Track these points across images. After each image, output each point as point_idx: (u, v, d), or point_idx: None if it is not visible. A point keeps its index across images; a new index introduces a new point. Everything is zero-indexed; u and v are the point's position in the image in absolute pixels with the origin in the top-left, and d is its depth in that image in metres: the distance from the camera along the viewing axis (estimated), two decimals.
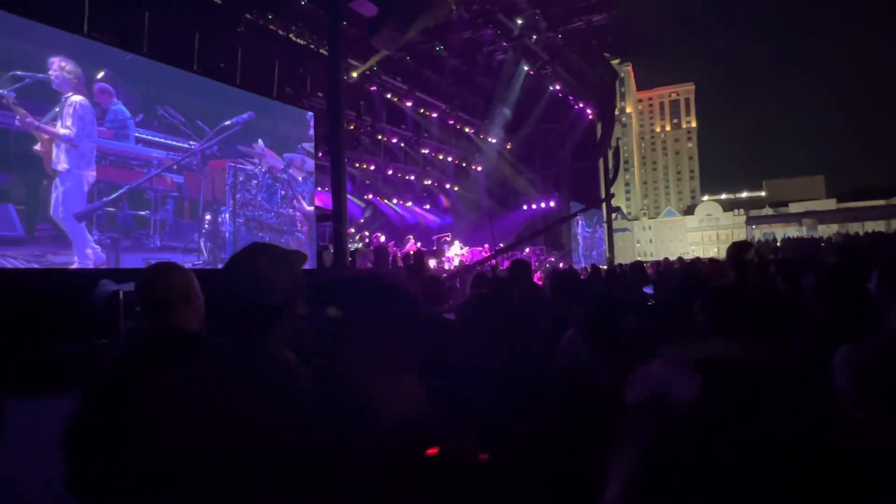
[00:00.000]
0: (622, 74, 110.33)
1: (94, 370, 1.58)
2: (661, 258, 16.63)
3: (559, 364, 1.83)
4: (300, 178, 8.69)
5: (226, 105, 7.85)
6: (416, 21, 12.13)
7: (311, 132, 9.58)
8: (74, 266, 6.00)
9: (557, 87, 19.50)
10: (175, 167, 6.94)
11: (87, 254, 5.98)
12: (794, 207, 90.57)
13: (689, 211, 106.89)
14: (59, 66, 6.10)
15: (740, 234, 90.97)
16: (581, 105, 21.67)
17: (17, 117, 5.52)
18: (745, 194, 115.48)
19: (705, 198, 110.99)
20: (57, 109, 5.99)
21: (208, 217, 7.23)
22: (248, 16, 12.58)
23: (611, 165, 26.07)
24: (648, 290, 4.44)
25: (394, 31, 11.81)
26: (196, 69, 10.72)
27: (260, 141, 8.15)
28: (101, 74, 6.56)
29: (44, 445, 1.53)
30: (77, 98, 6.25)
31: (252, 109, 8.06)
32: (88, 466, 1.47)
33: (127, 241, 6.36)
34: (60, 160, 5.87)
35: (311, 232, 8.60)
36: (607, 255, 25.49)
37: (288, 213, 8.31)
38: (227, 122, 7.72)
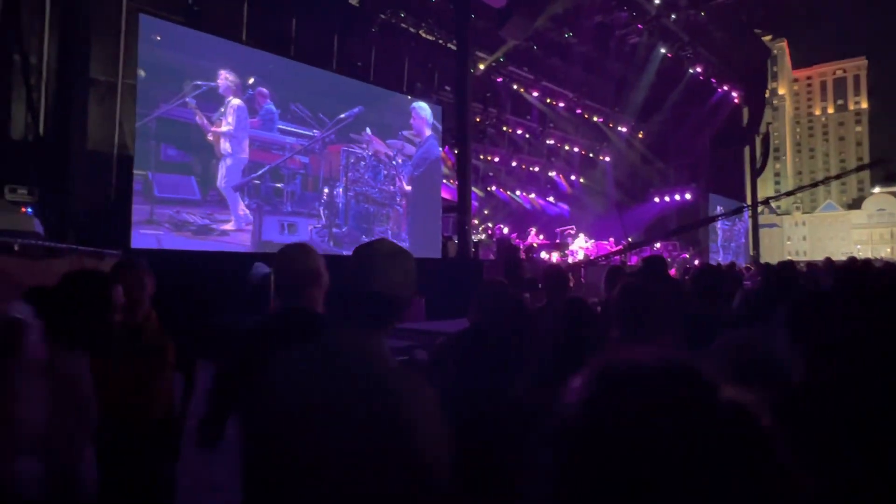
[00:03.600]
0: (775, 52, 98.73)
1: (229, 340, 1.75)
2: (816, 258, 14.59)
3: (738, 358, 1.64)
4: (400, 161, 10.21)
5: (341, 100, 9.45)
6: (546, 8, 11.89)
7: (412, 121, 10.77)
8: (232, 224, 7.79)
9: (698, 70, 18.03)
10: (302, 151, 8.75)
11: (240, 214, 7.88)
12: None
13: (855, 205, 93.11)
14: (225, 77, 7.94)
15: None
16: (725, 88, 19.83)
17: (197, 115, 7.48)
18: None
19: (876, 189, 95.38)
20: (223, 110, 7.90)
21: (326, 190, 9.05)
22: (382, 16, 13.20)
23: (758, 154, 23.57)
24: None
25: (522, 21, 11.68)
26: (335, 68, 11.52)
27: (368, 129, 9.74)
28: (251, 80, 8.33)
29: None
30: (236, 101, 8.10)
31: (362, 103, 9.67)
32: (220, 419, 1.65)
33: (267, 206, 8.19)
34: (224, 147, 7.83)
35: (408, 206, 10.30)
36: (751, 252, 23.13)
37: (389, 190, 9.97)
38: (342, 115, 9.36)
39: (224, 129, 7.72)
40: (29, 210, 6.43)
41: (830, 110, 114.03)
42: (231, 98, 7.93)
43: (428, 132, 11.19)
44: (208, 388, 1.70)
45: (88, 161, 7.75)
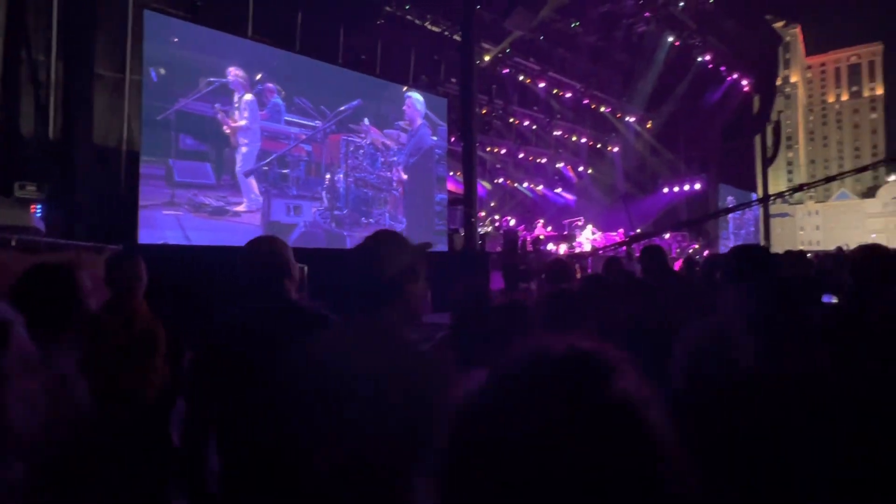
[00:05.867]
0: (787, 38, 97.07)
1: (204, 331, 1.76)
2: (830, 247, 14.38)
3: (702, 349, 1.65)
4: (396, 149, 10.91)
5: (341, 93, 10.14)
6: None
7: (404, 109, 11.34)
8: (243, 206, 8.50)
9: (707, 58, 17.80)
10: (306, 140, 9.49)
11: (252, 197, 8.67)
12: None
13: (870, 193, 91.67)
14: (235, 74, 8.57)
15: None
16: (735, 76, 19.57)
17: (218, 113, 8.28)
18: None
19: (892, 178, 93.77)
20: (235, 104, 8.62)
21: (328, 176, 9.79)
22: (387, 8, 13.15)
23: (769, 143, 23.28)
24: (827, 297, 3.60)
25: (527, 12, 11.61)
26: (340, 62, 11.51)
27: (366, 120, 10.43)
28: (259, 76, 8.93)
29: None
30: (248, 97, 8.79)
31: (360, 96, 10.37)
32: (200, 409, 1.65)
33: (275, 190, 8.95)
34: (237, 137, 8.60)
35: (405, 191, 11.00)
36: (762, 243, 22.91)
37: (386, 176, 10.72)
38: (342, 108, 10.04)
39: (240, 123, 8.59)
40: (38, 207, 6.52)
41: (845, 97, 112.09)
42: (244, 94, 8.69)
43: (420, 121, 11.50)
44: (185, 388, 1.71)
45: (96, 157, 7.84)
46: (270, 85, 8.98)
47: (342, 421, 1.09)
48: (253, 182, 8.69)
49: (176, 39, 7.98)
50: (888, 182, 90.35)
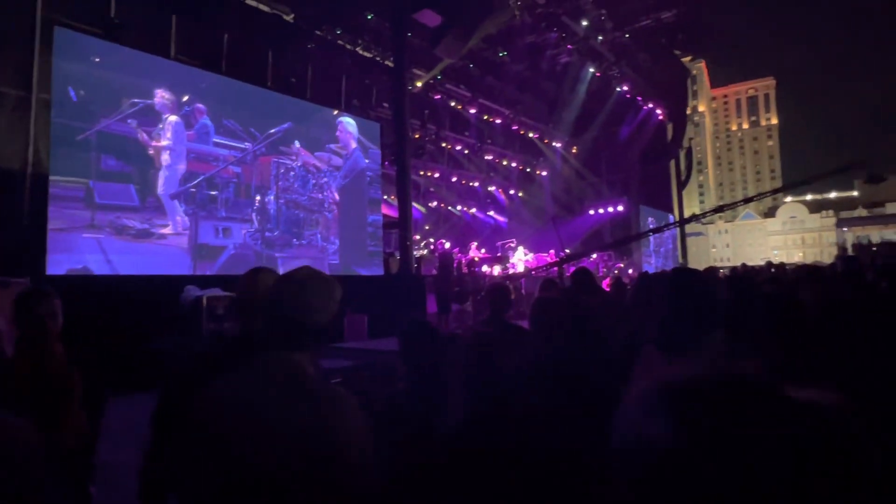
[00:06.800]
0: (694, 72, 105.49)
1: (174, 366, 1.69)
2: (738, 264, 15.64)
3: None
4: (327, 171, 11.02)
5: (271, 115, 10.12)
6: (478, 29, 12.19)
7: (338, 134, 11.42)
8: (169, 229, 8.24)
9: (625, 88, 18.97)
10: (235, 162, 9.41)
11: (177, 220, 8.40)
12: (892, 208, 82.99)
13: (771, 213, 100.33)
14: (161, 96, 8.41)
15: (829, 238, 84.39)
16: (650, 105, 20.95)
17: (139, 133, 8.03)
18: (833, 195, 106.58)
19: (788, 199, 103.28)
20: (161, 126, 8.41)
21: (258, 198, 9.72)
22: (317, 32, 13.11)
23: (683, 167, 25.00)
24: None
25: (456, 40, 11.93)
26: (269, 85, 11.31)
27: (296, 142, 10.45)
28: (186, 98, 8.74)
29: (140, 439, 1.65)
30: (173, 118, 8.58)
31: (291, 119, 10.40)
32: (163, 449, 1.58)
33: (203, 212, 8.74)
34: (163, 158, 8.38)
35: (339, 214, 11.09)
36: (680, 260, 24.39)
37: (317, 197, 10.74)
38: (273, 130, 10.04)
39: (164, 143, 8.38)
40: None
41: (745, 126, 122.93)
42: (168, 115, 8.50)
43: (354, 144, 11.56)
44: (150, 423, 1.62)
45: None
46: (200, 105, 8.90)
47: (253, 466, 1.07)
48: (179, 204, 8.49)
49: (97, 59, 7.77)
50: (786, 203, 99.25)
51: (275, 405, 1.12)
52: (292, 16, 12.99)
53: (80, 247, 7.15)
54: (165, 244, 8.18)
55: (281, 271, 1.46)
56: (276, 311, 1.28)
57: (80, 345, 2.18)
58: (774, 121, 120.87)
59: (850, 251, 28.02)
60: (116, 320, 6.15)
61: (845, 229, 79.40)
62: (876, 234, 64.52)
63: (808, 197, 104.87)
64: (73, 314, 2.19)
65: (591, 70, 17.67)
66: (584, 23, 15.55)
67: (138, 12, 9.22)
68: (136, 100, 8.04)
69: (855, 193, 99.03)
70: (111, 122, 7.72)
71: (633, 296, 2.95)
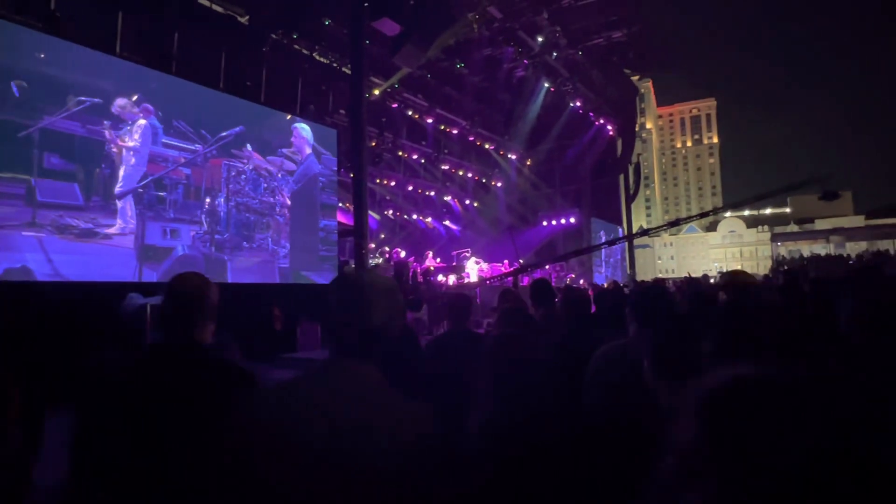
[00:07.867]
0: (642, 90, 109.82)
1: (98, 379, 1.59)
2: (682, 275, 16.28)
3: (599, 379, 1.77)
4: (280, 175, 10.95)
5: (223, 118, 9.95)
6: (437, 39, 12.29)
7: (292, 139, 11.30)
8: (115, 229, 8.01)
9: (578, 104, 19.52)
10: (185, 163, 9.24)
11: (126, 219, 8.22)
12: (821, 224, 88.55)
13: (712, 227, 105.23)
14: (120, 106, 8.22)
15: (765, 252, 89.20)
16: (601, 121, 21.64)
17: (81, 125, 7.72)
18: (768, 211, 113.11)
19: (728, 214, 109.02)
20: (128, 126, 8.30)
21: (208, 200, 9.57)
22: (273, 36, 12.88)
23: (631, 181, 25.89)
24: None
25: (415, 50, 11.98)
26: (222, 87, 11.01)
27: (248, 146, 10.36)
28: (135, 98, 8.48)
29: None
30: (142, 122, 8.50)
31: (243, 122, 10.26)
32: (89, 467, 1.48)
33: (150, 213, 8.56)
34: (125, 158, 8.26)
35: (290, 218, 11.00)
36: (628, 271, 25.18)
37: (269, 201, 10.70)
38: (224, 133, 9.89)
39: (130, 144, 8.29)
40: None
41: (689, 144, 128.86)
42: (138, 119, 8.47)
43: (308, 150, 11.45)
44: (70, 442, 1.51)
45: None
46: (148, 105, 8.73)
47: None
48: (128, 204, 8.29)
49: (42, 55, 7.47)
50: (725, 218, 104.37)
51: (362, 420, 1.09)
52: (247, 18, 12.72)
53: (20, 245, 6.91)
54: (110, 244, 7.98)
55: (230, 274, 1.39)
56: (356, 321, 1.20)
57: (17, 354, 2.04)
58: (715, 139, 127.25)
59: (785, 266, 29.71)
60: (55, 329, 5.79)
61: (779, 244, 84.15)
62: (806, 249, 68.69)
63: (746, 213, 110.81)
64: (9, 322, 2.04)
65: (546, 85, 18.10)
66: (540, 39, 15.95)
67: (81, 6, 8.84)
68: (83, 97, 7.80)
69: (787, 210, 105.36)
70: (56, 119, 7.49)
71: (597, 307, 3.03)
